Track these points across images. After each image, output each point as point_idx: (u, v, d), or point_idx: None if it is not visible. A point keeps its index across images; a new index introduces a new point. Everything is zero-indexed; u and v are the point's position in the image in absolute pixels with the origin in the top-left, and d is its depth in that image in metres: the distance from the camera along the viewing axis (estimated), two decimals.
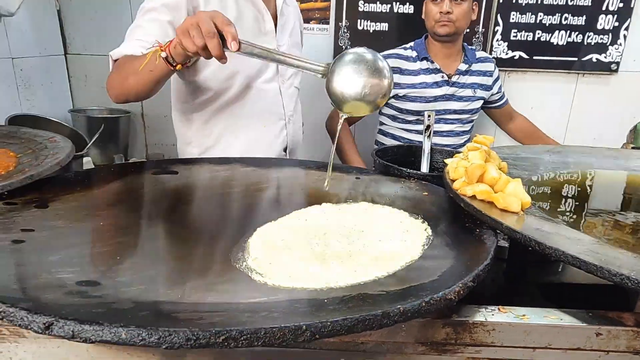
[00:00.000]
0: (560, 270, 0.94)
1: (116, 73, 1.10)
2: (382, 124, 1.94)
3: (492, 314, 0.55)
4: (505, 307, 0.57)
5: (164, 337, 0.38)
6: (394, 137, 1.88)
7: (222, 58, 0.88)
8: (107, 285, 0.52)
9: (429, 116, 1.20)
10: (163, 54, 0.95)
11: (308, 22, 2.15)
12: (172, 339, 0.38)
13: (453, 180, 0.81)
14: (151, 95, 1.11)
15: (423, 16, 1.77)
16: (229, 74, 1.25)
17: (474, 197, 0.75)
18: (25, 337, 0.54)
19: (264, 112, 1.32)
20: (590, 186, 0.98)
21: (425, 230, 0.75)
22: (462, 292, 0.50)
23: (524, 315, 0.55)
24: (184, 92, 1.29)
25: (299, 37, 1.45)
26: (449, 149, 1.26)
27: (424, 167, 1.17)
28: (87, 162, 1.76)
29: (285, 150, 1.41)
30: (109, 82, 1.12)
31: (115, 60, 1.12)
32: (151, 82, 1.03)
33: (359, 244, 0.70)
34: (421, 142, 1.19)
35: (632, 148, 1.73)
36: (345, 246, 0.69)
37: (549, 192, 0.90)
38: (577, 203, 0.87)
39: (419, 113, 1.77)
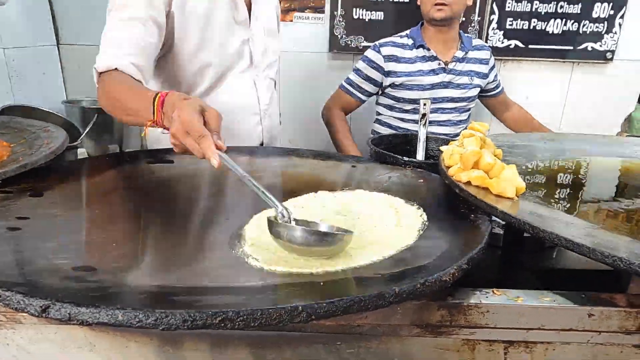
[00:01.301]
0: (554, 256, 0.95)
1: (107, 97, 1.00)
2: (379, 113, 1.93)
3: (487, 296, 0.56)
4: (499, 289, 0.57)
5: (160, 319, 0.38)
6: (390, 126, 1.88)
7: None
8: (103, 270, 0.52)
9: (425, 104, 1.20)
10: (160, 130, 0.88)
11: (303, 11, 2.14)
12: (169, 320, 0.38)
13: (448, 167, 0.82)
14: None
15: (418, 2, 1.76)
16: (201, 67, 1.19)
17: (469, 183, 0.75)
18: (22, 323, 0.55)
19: (237, 107, 1.26)
20: (585, 173, 0.99)
21: (421, 216, 0.75)
22: (456, 274, 0.50)
23: (517, 297, 0.56)
24: (153, 87, 1.22)
25: (275, 24, 1.40)
26: (444, 137, 1.26)
27: (420, 155, 1.17)
28: (82, 154, 1.75)
29: (262, 145, 1.35)
30: (100, 99, 1.02)
31: (101, 72, 1.01)
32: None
33: (355, 230, 0.70)
34: (417, 132, 1.19)
35: (627, 137, 1.74)
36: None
37: (544, 179, 0.91)
38: (571, 190, 0.88)
39: (415, 101, 1.77)
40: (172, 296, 0.45)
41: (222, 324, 0.39)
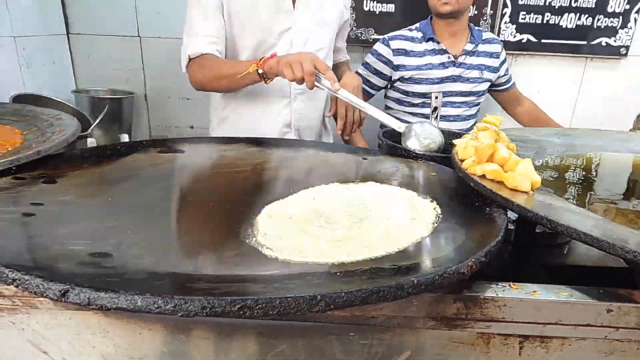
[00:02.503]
0: (565, 252, 0.94)
1: (202, 71, 1.29)
2: (387, 107, 1.92)
3: (503, 290, 0.55)
4: (516, 283, 0.57)
5: (179, 305, 0.38)
6: (399, 120, 1.87)
7: (311, 89, 1.12)
8: (119, 257, 0.52)
9: (437, 97, 1.19)
10: (260, 70, 1.16)
11: None
12: (188, 307, 0.38)
13: (462, 160, 0.81)
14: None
15: None
16: (239, 49, 1.33)
17: (483, 176, 0.74)
18: (38, 308, 0.55)
19: (269, 90, 1.35)
20: (600, 169, 0.97)
21: (435, 209, 0.74)
22: (475, 266, 0.49)
23: (534, 291, 0.55)
24: None
25: (329, 14, 1.43)
26: (455, 130, 1.25)
27: None
28: (91, 143, 1.75)
29: (290, 126, 1.44)
30: (193, 76, 1.31)
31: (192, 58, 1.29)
32: (241, 86, 1.28)
33: (368, 222, 0.70)
34: None
35: None
36: (354, 224, 0.69)
37: (558, 173, 0.90)
38: (586, 185, 0.87)
39: (424, 95, 1.76)
40: (189, 283, 0.45)
41: (241, 312, 0.39)
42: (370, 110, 1.13)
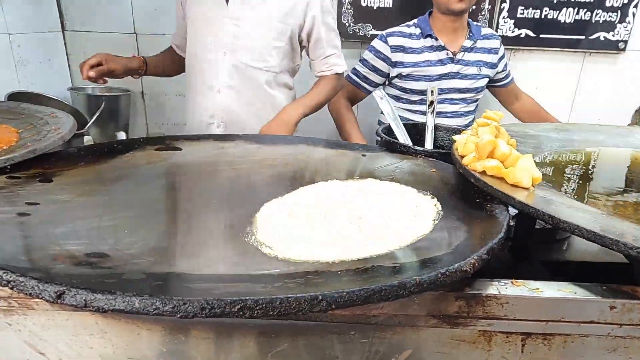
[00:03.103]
0: (565, 247, 0.93)
1: None
2: None
3: (506, 287, 0.55)
4: (518, 280, 0.56)
5: (178, 306, 0.38)
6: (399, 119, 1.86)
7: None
8: (116, 257, 0.51)
9: (432, 92, 1.18)
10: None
11: None
12: (187, 308, 0.38)
13: (462, 156, 0.80)
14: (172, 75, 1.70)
15: None
16: (182, 37, 1.56)
17: (484, 172, 0.74)
18: (34, 309, 0.54)
19: (199, 82, 1.49)
20: (599, 164, 0.97)
21: (435, 205, 0.74)
22: (477, 264, 0.49)
23: (537, 288, 0.55)
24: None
25: (275, 11, 1.40)
26: (454, 126, 1.24)
27: (428, 144, 1.16)
28: (88, 141, 1.74)
29: (213, 117, 1.50)
30: None
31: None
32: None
33: (368, 219, 0.70)
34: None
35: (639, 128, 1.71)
36: (354, 221, 0.68)
37: (558, 169, 0.89)
38: (588, 180, 0.87)
39: (423, 92, 1.74)
40: (188, 284, 0.44)
41: (241, 313, 0.38)
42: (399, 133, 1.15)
